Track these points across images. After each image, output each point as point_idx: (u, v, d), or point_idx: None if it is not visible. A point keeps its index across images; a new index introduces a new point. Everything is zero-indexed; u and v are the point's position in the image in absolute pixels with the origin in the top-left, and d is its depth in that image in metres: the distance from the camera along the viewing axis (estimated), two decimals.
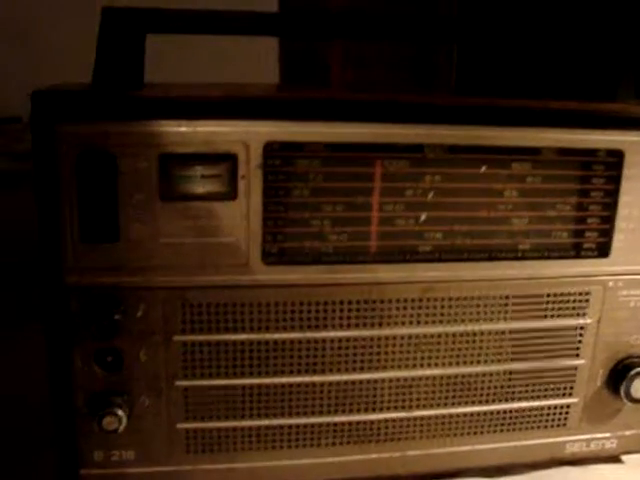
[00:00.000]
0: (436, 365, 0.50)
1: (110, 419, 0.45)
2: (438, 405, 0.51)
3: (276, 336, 0.47)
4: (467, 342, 0.50)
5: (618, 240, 0.51)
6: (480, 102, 0.49)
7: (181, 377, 0.47)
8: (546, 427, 0.54)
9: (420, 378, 0.50)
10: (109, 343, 0.46)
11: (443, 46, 0.77)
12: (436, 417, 0.51)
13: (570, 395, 0.53)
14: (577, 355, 0.52)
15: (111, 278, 0.45)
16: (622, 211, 0.50)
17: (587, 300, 0.51)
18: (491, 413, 0.52)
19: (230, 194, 0.44)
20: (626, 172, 0.49)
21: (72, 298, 0.45)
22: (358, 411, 0.50)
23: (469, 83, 0.77)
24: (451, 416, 0.52)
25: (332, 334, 0.48)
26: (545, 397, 0.53)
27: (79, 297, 0.45)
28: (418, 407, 0.51)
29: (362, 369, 0.49)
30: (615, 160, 0.49)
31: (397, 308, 0.48)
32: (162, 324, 0.46)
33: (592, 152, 0.49)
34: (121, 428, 0.46)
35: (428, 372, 0.50)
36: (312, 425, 0.50)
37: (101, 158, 0.43)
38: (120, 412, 0.46)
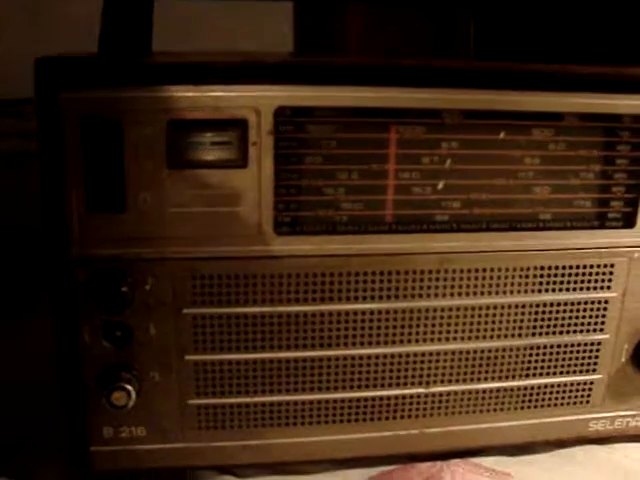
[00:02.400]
0: (455, 339, 0.49)
1: (119, 394, 0.44)
2: (457, 381, 0.50)
3: (289, 309, 0.46)
4: (487, 315, 0.48)
5: None
6: (499, 66, 0.47)
7: (191, 351, 0.46)
8: (569, 404, 0.52)
9: (438, 353, 0.49)
10: (117, 316, 0.44)
11: (461, 17, 0.75)
12: (455, 393, 0.50)
13: (594, 371, 0.52)
14: (601, 330, 0.51)
15: (118, 249, 0.43)
16: None
17: (611, 272, 0.49)
18: (512, 389, 0.51)
19: (240, 161, 0.43)
20: None
21: (78, 270, 0.43)
22: (374, 387, 0.49)
23: (488, 55, 0.75)
24: (470, 392, 0.50)
25: (347, 307, 0.46)
26: (568, 373, 0.51)
27: (85, 269, 0.43)
28: (436, 383, 0.49)
29: (378, 343, 0.48)
30: None
31: (414, 280, 0.47)
32: (171, 296, 0.45)
33: (617, 118, 0.47)
34: (130, 404, 0.45)
35: (446, 346, 0.49)
36: (326, 401, 0.48)
37: (107, 125, 0.42)
38: (129, 387, 0.44)
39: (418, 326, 0.48)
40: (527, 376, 0.50)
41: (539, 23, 0.71)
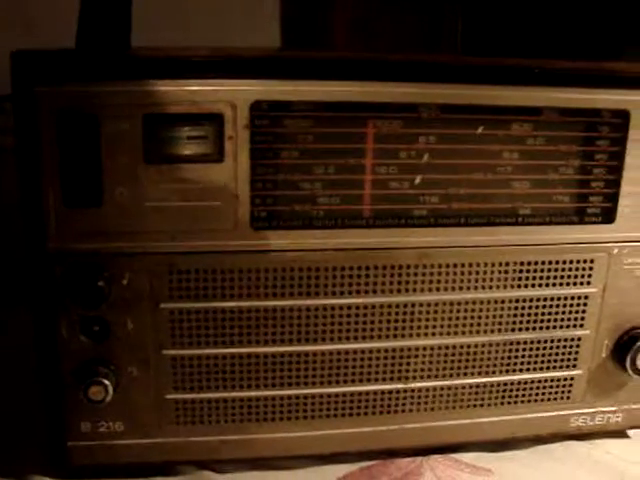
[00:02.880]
0: (433, 335, 0.48)
1: (96, 389, 0.44)
2: (436, 377, 0.50)
3: (266, 304, 0.46)
4: (465, 311, 0.48)
5: (624, 205, 0.49)
6: (477, 61, 0.47)
7: (169, 346, 0.46)
8: (549, 400, 0.52)
9: (417, 348, 0.49)
10: (95, 311, 0.44)
11: (449, 12, 0.75)
12: (434, 389, 0.50)
13: (574, 367, 0.51)
14: (581, 325, 0.51)
15: (95, 244, 0.43)
16: (628, 174, 0.48)
17: (591, 268, 0.49)
18: (492, 385, 0.51)
19: (216, 156, 0.43)
20: (632, 133, 0.47)
21: (55, 264, 0.43)
22: (353, 382, 0.48)
23: (476, 50, 0.75)
24: (450, 388, 0.50)
25: (324, 302, 0.46)
26: (548, 369, 0.51)
27: (62, 263, 0.43)
28: (415, 379, 0.49)
29: (356, 338, 0.47)
30: (620, 121, 0.47)
31: (392, 275, 0.47)
32: (148, 291, 0.44)
33: (596, 112, 0.47)
34: (108, 398, 0.45)
35: (425, 342, 0.48)
36: (305, 396, 0.48)
37: (83, 120, 0.41)
38: (106, 382, 0.44)
39: (397, 321, 0.48)
40: (507, 372, 0.50)
41: (526, 18, 0.71)
